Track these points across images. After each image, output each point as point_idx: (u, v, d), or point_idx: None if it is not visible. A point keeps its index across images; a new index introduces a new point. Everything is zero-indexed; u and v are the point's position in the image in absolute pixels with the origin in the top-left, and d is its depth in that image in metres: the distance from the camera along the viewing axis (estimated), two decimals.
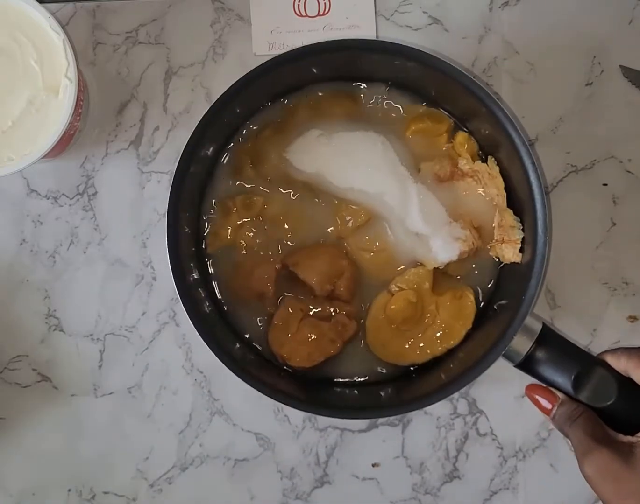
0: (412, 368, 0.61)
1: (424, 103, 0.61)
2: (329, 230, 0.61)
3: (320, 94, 0.61)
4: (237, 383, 0.56)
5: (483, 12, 0.65)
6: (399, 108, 0.62)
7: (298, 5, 0.64)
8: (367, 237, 0.60)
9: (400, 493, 0.64)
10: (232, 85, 0.55)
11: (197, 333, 0.56)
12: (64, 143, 0.60)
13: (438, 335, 0.60)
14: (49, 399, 0.65)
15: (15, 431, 0.65)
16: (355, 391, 0.61)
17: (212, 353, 0.55)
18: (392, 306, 0.59)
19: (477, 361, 0.55)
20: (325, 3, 0.64)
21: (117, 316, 0.65)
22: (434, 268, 0.59)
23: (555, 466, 0.64)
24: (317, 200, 0.61)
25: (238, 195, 0.61)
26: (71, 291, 0.65)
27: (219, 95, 0.55)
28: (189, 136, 0.55)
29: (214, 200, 0.61)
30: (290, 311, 0.60)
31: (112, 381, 0.65)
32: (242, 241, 0.61)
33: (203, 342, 0.56)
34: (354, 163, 0.60)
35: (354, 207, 0.60)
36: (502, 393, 0.64)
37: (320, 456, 0.65)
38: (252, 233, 0.61)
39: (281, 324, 0.60)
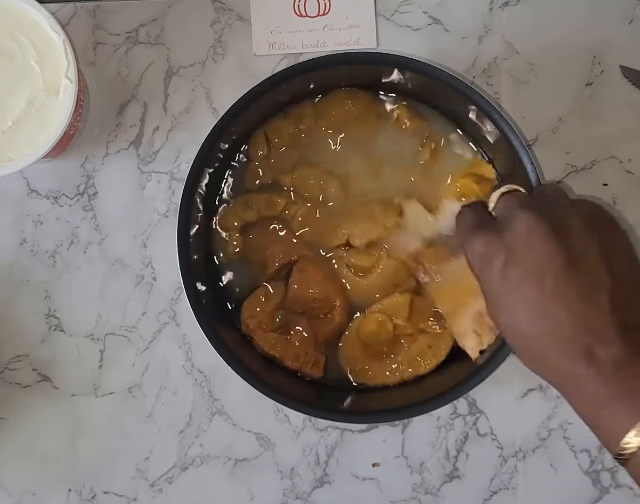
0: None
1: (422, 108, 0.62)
2: (336, 242, 0.60)
3: (323, 102, 0.62)
4: (237, 383, 0.56)
5: (483, 12, 0.65)
6: (397, 113, 0.62)
7: (298, 5, 0.64)
8: (367, 257, 0.60)
9: (400, 493, 0.64)
10: (243, 95, 0.56)
11: (205, 338, 0.56)
12: (64, 143, 0.60)
13: (409, 361, 0.60)
14: (49, 399, 0.65)
15: (15, 431, 0.65)
16: (370, 394, 0.61)
17: (230, 368, 0.56)
18: (366, 328, 0.60)
19: (487, 359, 0.55)
20: (325, 3, 0.64)
21: (117, 316, 0.65)
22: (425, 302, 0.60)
23: (555, 466, 0.64)
24: (329, 209, 0.61)
25: (261, 194, 0.61)
26: (71, 291, 0.65)
27: (228, 108, 0.56)
28: (194, 156, 0.56)
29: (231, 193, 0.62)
30: (263, 299, 0.60)
31: (112, 381, 0.65)
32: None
33: (202, 342, 0.56)
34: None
35: (364, 224, 0.60)
36: (502, 393, 0.64)
37: (320, 456, 0.65)
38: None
39: (258, 299, 0.61)
